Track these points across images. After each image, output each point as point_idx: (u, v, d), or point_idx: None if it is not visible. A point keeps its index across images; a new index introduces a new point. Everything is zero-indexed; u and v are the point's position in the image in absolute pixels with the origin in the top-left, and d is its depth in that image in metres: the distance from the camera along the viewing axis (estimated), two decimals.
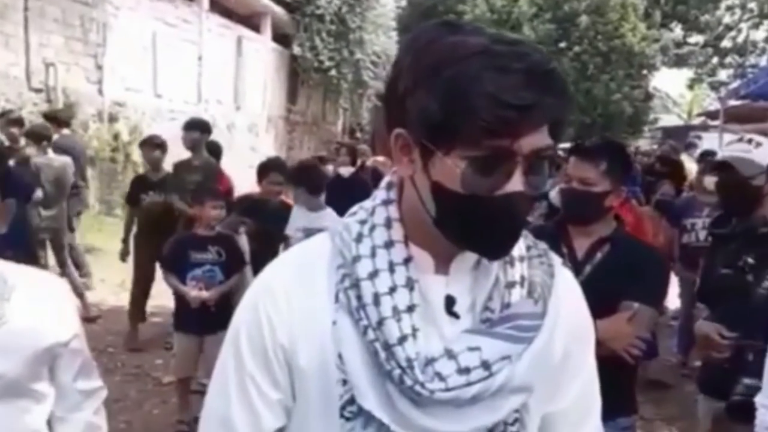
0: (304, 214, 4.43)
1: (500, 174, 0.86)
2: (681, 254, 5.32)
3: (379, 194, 1.01)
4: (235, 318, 1.03)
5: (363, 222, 0.98)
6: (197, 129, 5.75)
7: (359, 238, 0.96)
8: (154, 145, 5.81)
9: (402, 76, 0.90)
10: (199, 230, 4.25)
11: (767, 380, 1.62)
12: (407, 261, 0.95)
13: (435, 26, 0.92)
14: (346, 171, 6.70)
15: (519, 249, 0.99)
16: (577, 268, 2.15)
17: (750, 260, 2.34)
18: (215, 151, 6.24)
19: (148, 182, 5.77)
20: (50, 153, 5.95)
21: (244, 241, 4.52)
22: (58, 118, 7.07)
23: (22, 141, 5.90)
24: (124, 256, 5.87)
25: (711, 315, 2.48)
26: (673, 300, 6.84)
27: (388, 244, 0.96)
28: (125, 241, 5.83)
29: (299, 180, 4.55)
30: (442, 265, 0.97)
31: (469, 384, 0.90)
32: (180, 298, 4.16)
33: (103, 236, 8.21)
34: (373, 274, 0.93)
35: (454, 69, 0.84)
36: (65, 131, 7.03)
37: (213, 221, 4.21)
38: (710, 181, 4.99)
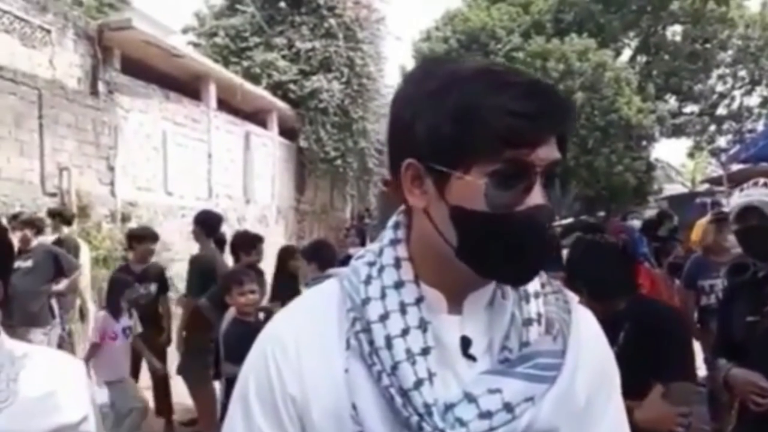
0: None
1: (521, 188, 0.84)
2: (701, 317, 5.20)
3: (387, 234, 0.97)
4: (244, 369, 0.97)
5: (371, 264, 0.94)
6: (196, 222, 5.82)
7: (368, 280, 0.92)
8: (142, 238, 5.83)
9: (407, 106, 0.89)
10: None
11: None
12: (419, 301, 0.90)
13: (430, 60, 0.94)
14: (355, 252, 6.69)
15: (534, 285, 0.94)
16: None
17: None
18: (219, 242, 6.15)
19: (130, 274, 5.67)
20: None
21: None
22: (62, 215, 7.14)
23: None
24: None
25: (742, 365, 2.38)
26: (699, 365, 6.65)
27: (398, 285, 0.91)
28: None
29: (311, 257, 4.59)
30: (455, 305, 0.92)
31: (492, 429, 0.85)
32: None
33: None
34: (384, 316, 0.88)
35: (461, 88, 0.84)
36: (66, 230, 7.09)
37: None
38: (731, 239, 4.91)
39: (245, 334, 3.85)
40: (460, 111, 0.83)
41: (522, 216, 0.84)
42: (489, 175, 0.83)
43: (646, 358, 2.12)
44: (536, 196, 0.84)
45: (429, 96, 0.86)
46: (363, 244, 7.11)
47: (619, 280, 2.39)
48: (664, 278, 5.28)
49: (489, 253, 0.86)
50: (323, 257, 4.53)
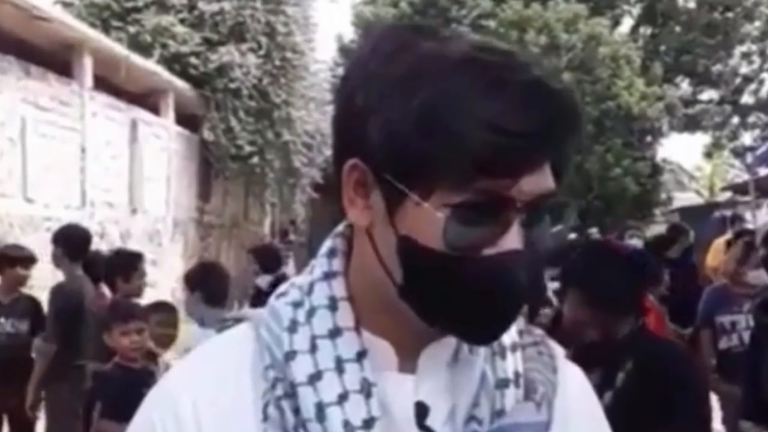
0: (204, 333, 4.22)
1: (493, 227, 0.82)
2: (720, 363, 5.40)
3: (318, 264, 0.94)
4: None
5: (297, 304, 0.92)
6: (55, 242, 5.72)
7: (293, 327, 0.90)
8: (14, 260, 5.78)
9: (362, 88, 0.86)
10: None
11: None
12: (361, 356, 0.88)
13: (406, 28, 0.90)
14: (263, 281, 6.70)
15: (510, 335, 0.94)
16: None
17: None
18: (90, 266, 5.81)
19: None
20: None
21: None
22: None
23: None
24: None
25: None
26: (718, 428, 6.85)
27: (334, 333, 0.89)
28: None
29: (195, 284, 4.53)
30: (408, 360, 0.91)
31: None
32: None
33: None
34: (315, 377, 0.86)
35: (434, 85, 0.81)
36: None
37: None
38: (755, 276, 5.12)
39: (129, 384, 3.82)
40: (428, 114, 0.79)
41: (489, 262, 0.82)
42: (452, 206, 0.80)
43: (649, 407, 2.21)
44: (512, 239, 0.82)
45: (394, 84, 0.82)
46: (269, 271, 6.99)
47: (626, 291, 2.53)
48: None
49: (441, 303, 0.84)
50: (211, 287, 4.48)
